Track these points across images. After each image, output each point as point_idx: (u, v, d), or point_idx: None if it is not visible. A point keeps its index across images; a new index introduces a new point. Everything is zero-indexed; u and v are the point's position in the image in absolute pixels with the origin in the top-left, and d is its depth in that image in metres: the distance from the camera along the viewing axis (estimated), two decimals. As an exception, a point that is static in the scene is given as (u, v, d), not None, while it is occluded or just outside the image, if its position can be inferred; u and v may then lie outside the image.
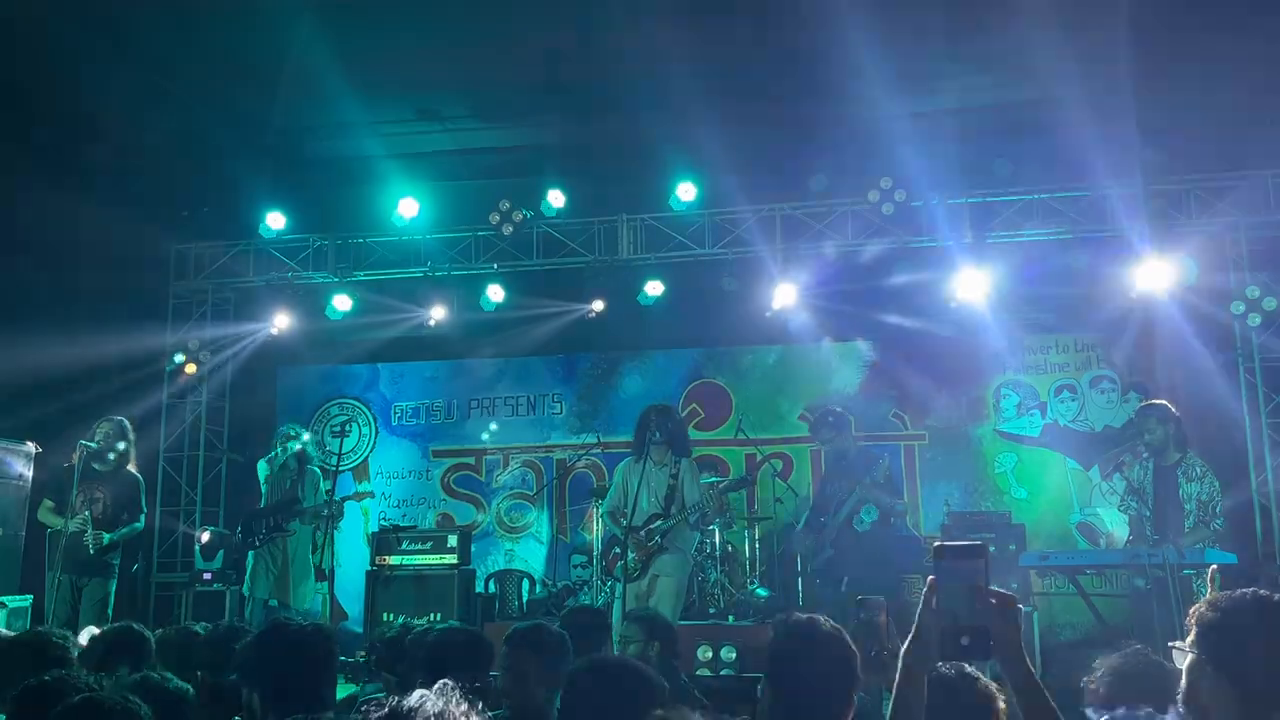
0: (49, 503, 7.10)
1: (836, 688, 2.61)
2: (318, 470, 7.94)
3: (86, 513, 6.82)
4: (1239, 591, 2.32)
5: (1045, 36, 8.15)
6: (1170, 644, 2.43)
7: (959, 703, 2.59)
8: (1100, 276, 8.83)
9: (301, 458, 7.81)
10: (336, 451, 8.00)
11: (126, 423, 7.18)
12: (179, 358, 9.69)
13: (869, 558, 6.56)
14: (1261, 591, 2.29)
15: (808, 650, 2.64)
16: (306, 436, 8.08)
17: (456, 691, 1.61)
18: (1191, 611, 2.34)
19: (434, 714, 1.57)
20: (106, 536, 6.92)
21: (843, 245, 8.97)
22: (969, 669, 2.69)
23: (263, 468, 7.95)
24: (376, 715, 1.59)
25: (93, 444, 6.80)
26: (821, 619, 2.78)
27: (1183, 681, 2.30)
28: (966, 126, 9.15)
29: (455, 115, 9.48)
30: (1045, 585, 8.36)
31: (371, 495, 8.70)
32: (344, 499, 8.01)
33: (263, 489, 7.91)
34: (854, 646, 2.69)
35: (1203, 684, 2.22)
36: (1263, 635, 2.19)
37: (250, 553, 7.57)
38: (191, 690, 3.13)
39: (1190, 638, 2.29)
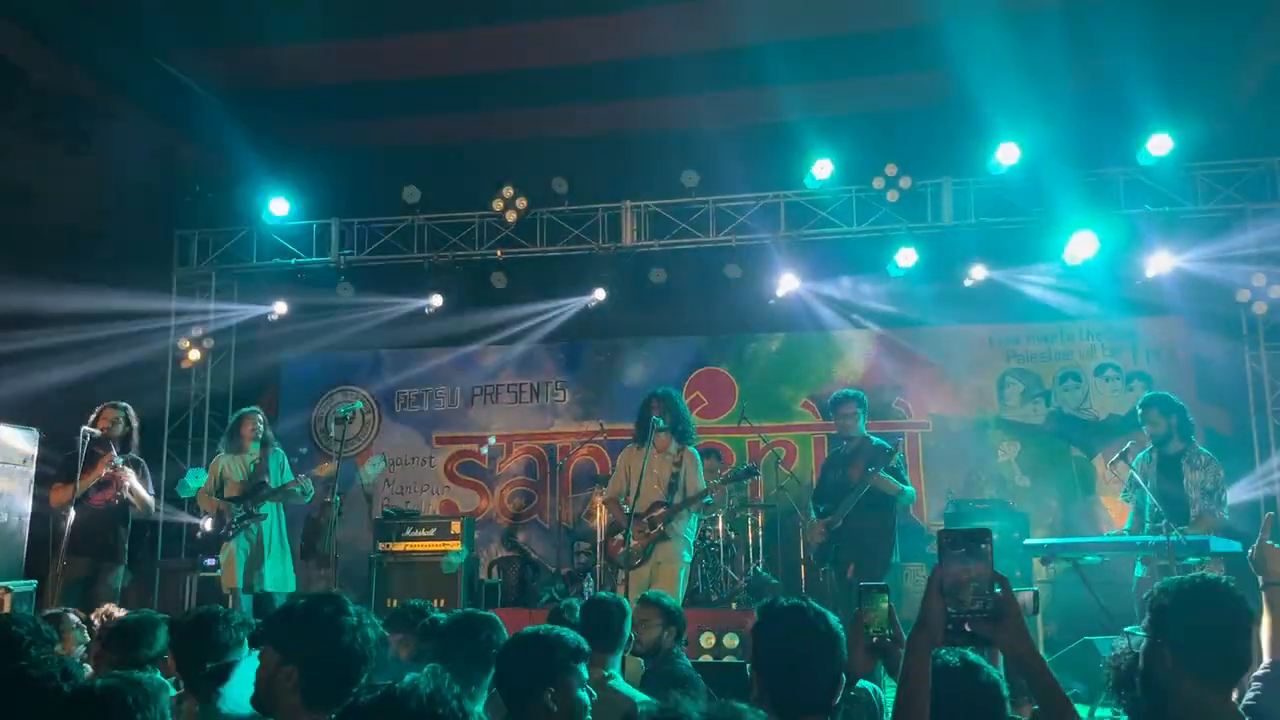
0: (59, 484, 7.05)
1: (821, 670, 2.60)
2: (281, 452, 7.76)
3: (118, 456, 6.82)
4: (1189, 575, 2.37)
5: (1050, 21, 8.13)
6: (1126, 629, 2.48)
7: (963, 690, 2.57)
8: (1106, 263, 8.81)
9: (265, 441, 7.62)
10: (339, 438, 7.98)
11: (129, 408, 7.16)
12: (182, 343, 9.70)
13: (872, 546, 6.54)
14: (1210, 574, 2.34)
15: (792, 633, 2.63)
16: (262, 418, 7.74)
17: (448, 675, 1.63)
18: (1145, 596, 2.38)
19: (426, 696, 1.58)
20: (134, 476, 6.93)
21: (847, 232, 8.95)
22: (972, 656, 2.68)
23: (223, 460, 7.67)
24: (368, 699, 1.60)
25: (96, 430, 6.79)
26: (806, 602, 2.78)
27: (1140, 664, 2.33)
28: (971, 110, 9.11)
29: (458, 100, 9.44)
30: (1048, 573, 8.35)
31: (334, 469, 8.37)
32: (305, 476, 7.80)
33: (228, 480, 7.55)
34: (840, 628, 2.68)
35: (1159, 666, 2.25)
36: (1213, 616, 2.26)
37: (227, 544, 7.47)
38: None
39: (1145, 621, 2.33)
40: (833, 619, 2.71)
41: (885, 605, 2.84)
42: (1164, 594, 2.35)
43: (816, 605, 2.76)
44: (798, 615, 2.67)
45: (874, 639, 2.83)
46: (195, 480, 7.54)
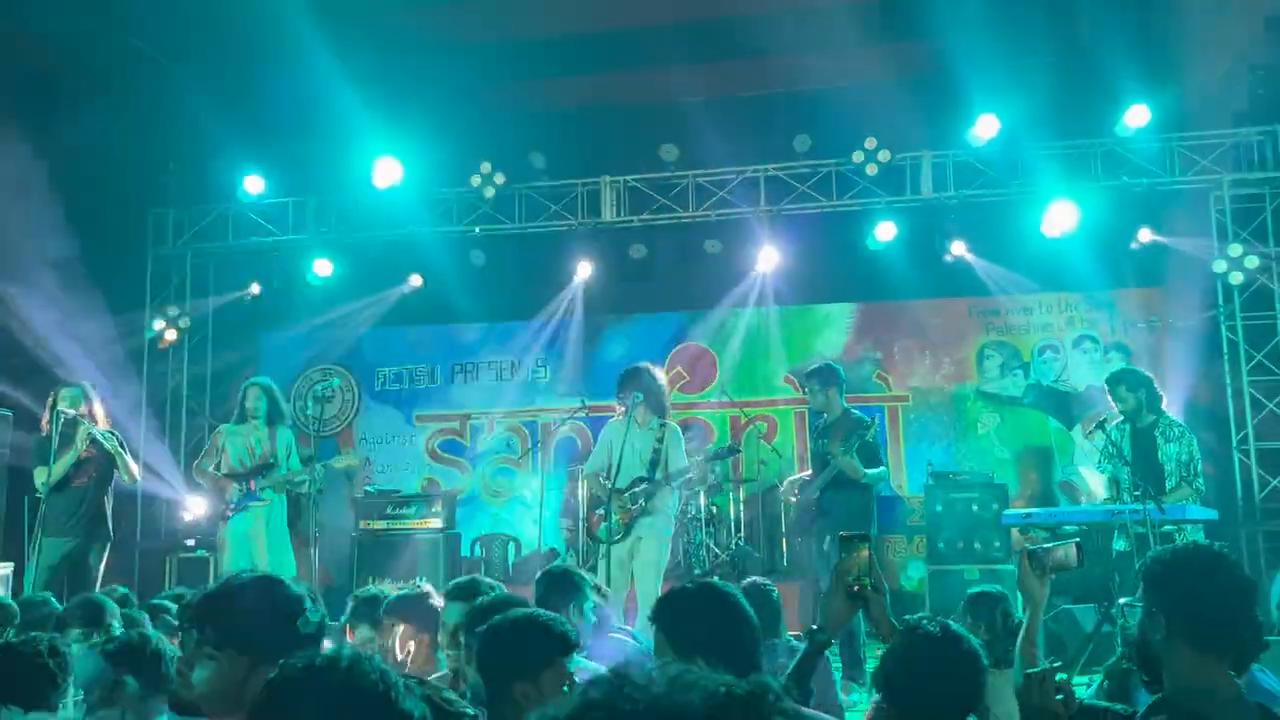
0: (40, 468, 6.92)
1: (733, 643, 2.60)
2: (290, 432, 7.40)
3: (89, 428, 6.73)
4: (1182, 544, 2.37)
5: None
6: (1122, 601, 2.47)
7: (945, 658, 2.60)
8: (1084, 236, 8.85)
9: (273, 418, 7.25)
10: (319, 417, 7.91)
11: (85, 384, 7.04)
12: (158, 324, 9.60)
13: (849, 519, 6.57)
14: (1204, 543, 2.34)
15: (699, 607, 2.64)
16: (264, 391, 7.30)
17: (369, 651, 1.64)
18: (1139, 567, 2.38)
19: (348, 663, 1.59)
20: (103, 436, 6.83)
21: (826, 206, 8.94)
22: (954, 627, 2.70)
23: (227, 430, 7.39)
24: (306, 663, 1.61)
25: (70, 411, 6.71)
26: (717, 581, 2.82)
27: (1135, 635, 2.33)
28: (949, 84, 9.10)
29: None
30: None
31: (355, 464, 8.05)
32: (321, 465, 7.47)
33: (226, 453, 7.25)
34: (745, 600, 2.71)
35: (1154, 635, 2.25)
36: (1207, 584, 2.24)
37: (227, 523, 7.16)
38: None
39: (1139, 592, 2.33)
40: (741, 598, 2.72)
41: (865, 554, 2.88)
42: (1157, 562, 2.34)
43: (722, 583, 2.79)
44: (710, 594, 2.69)
45: (854, 586, 2.87)
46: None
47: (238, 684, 2.17)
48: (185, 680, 2.21)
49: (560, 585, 4.04)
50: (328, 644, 3.23)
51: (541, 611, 2.91)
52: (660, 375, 6.88)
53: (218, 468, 7.19)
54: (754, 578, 5.02)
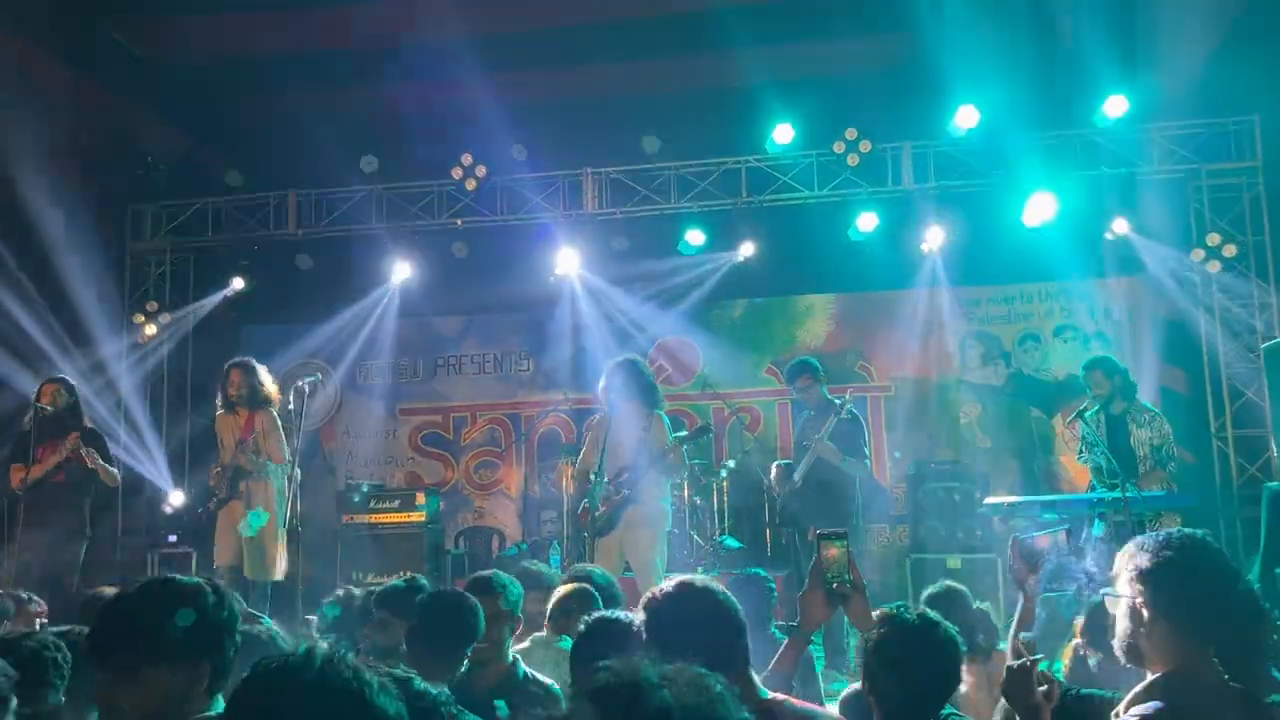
0: (17, 466, 6.82)
1: (716, 641, 2.60)
2: (273, 413, 7.16)
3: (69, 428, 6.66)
4: (1166, 532, 2.35)
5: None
6: (1103, 590, 2.45)
7: (924, 646, 2.62)
8: (1064, 225, 8.88)
9: (256, 401, 7.03)
10: (300, 412, 7.80)
11: (66, 378, 6.97)
12: (138, 319, 9.54)
13: (835, 507, 6.60)
14: (1189, 531, 2.33)
15: (680, 607, 2.64)
16: (245, 373, 7.04)
17: (344, 647, 1.62)
18: (1123, 554, 2.36)
19: (321, 663, 1.57)
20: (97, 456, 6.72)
21: (808, 197, 8.94)
22: (930, 615, 2.72)
23: (219, 419, 7.23)
24: (266, 668, 1.59)
25: (48, 408, 6.65)
26: (697, 578, 2.78)
27: (1117, 624, 2.32)
28: (930, 73, 9.11)
29: (416, 68, 9.30)
30: (1009, 532, 8.48)
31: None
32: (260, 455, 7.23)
33: (223, 444, 7.11)
34: (737, 602, 2.68)
35: (1137, 625, 2.25)
36: (1194, 573, 2.24)
37: (216, 517, 6.99)
38: None
39: (1122, 580, 2.31)
40: (723, 592, 2.73)
41: (842, 552, 2.88)
42: (1143, 550, 2.31)
43: (701, 580, 2.78)
44: (685, 595, 2.69)
45: (834, 585, 2.88)
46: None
47: (165, 691, 2.13)
48: (117, 713, 2.14)
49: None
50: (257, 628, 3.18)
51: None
52: (648, 368, 6.88)
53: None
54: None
